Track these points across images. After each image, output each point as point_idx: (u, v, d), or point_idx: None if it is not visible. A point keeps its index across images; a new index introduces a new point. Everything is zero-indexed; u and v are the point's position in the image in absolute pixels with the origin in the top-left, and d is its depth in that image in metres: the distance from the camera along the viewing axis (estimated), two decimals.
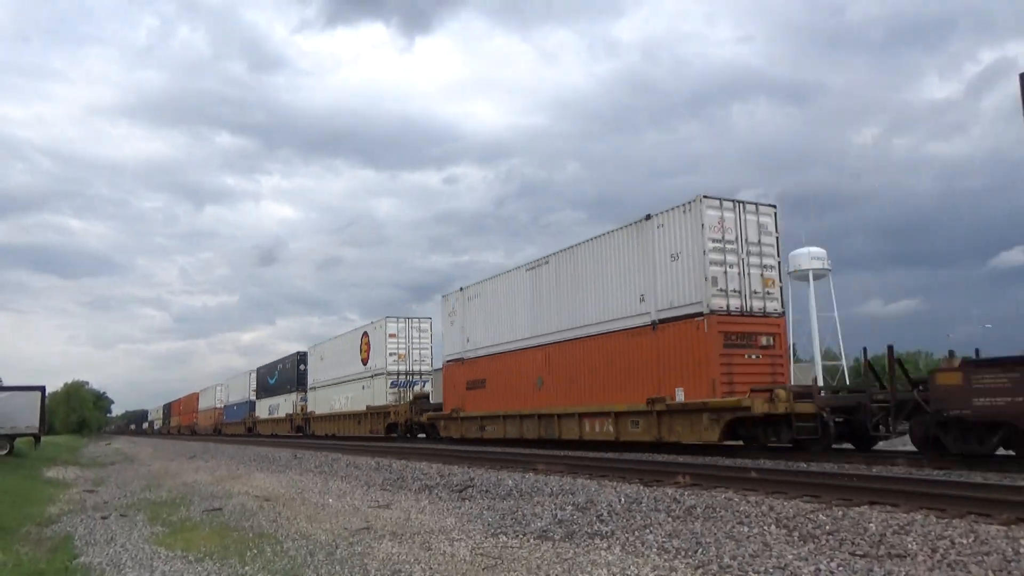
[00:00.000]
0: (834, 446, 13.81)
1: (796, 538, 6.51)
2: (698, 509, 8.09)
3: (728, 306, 15.49)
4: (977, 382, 11.13)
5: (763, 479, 9.81)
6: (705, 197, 15.79)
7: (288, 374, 46.41)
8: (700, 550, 6.22)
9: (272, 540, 7.94)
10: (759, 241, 16.21)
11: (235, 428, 59.37)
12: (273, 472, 17.84)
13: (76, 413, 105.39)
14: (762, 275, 16.05)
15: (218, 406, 67.14)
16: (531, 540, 7.21)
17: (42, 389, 31.09)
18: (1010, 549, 5.55)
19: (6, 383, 37.92)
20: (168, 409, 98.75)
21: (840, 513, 7.25)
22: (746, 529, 6.98)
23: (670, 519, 7.76)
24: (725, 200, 15.99)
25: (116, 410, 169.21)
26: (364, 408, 33.71)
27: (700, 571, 5.61)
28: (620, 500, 9.01)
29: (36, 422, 30.10)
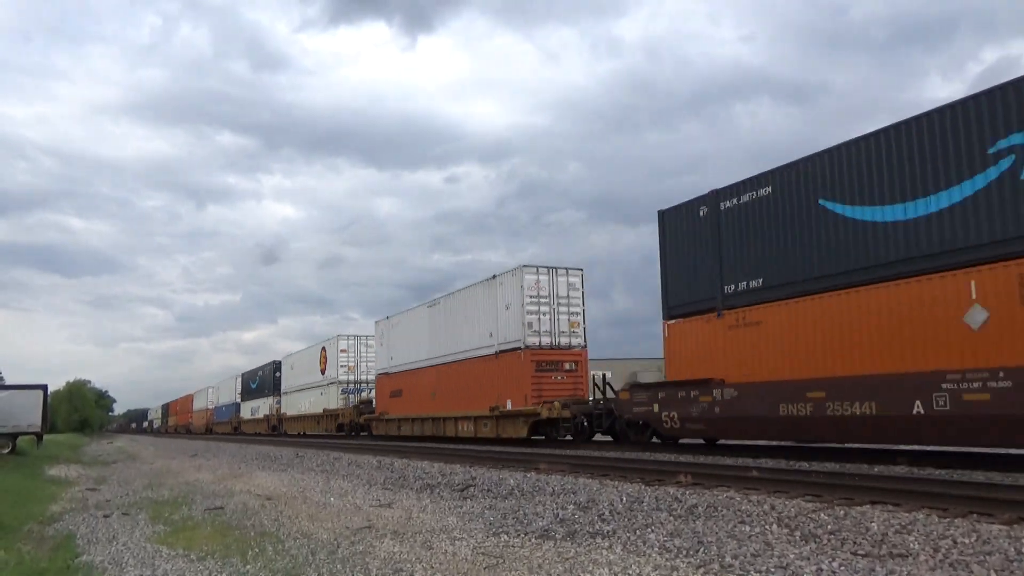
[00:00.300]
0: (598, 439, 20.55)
1: (798, 537, 6.51)
2: (700, 508, 8.08)
3: (540, 343, 21.87)
4: (635, 397, 17.42)
5: (765, 478, 9.81)
6: (525, 266, 22.17)
7: (267, 380, 51.86)
8: (702, 549, 6.22)
9: (274, 539, 7.95)
10: (567, 295, 22.62)
11: (223, 428, 64.99)
12: (275, 471, 17.86)
13: (78, 412, 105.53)
14: (569, 320, 22.47)
15: (209, 407, 72.40)
16: (533, 539, 7.21)
17: (44, 388, 31.16)
18: (1012, 549, 5.54)
19: (8, 382, 38.05)
20: (166, 409, 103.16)
21: (842, 512, 7.24)
22: (748, 528, 6.97)
23: (672, 518, 7.75)
24: (541, 267, 22.45)
25: (118, 409, 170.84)
26: (321, 411, 39.84)
27: (702, 570, 5.61)
28: (622, 499, 9.01)
29: (38, 421, 30.16)
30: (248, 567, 6.56)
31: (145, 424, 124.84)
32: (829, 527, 6.69)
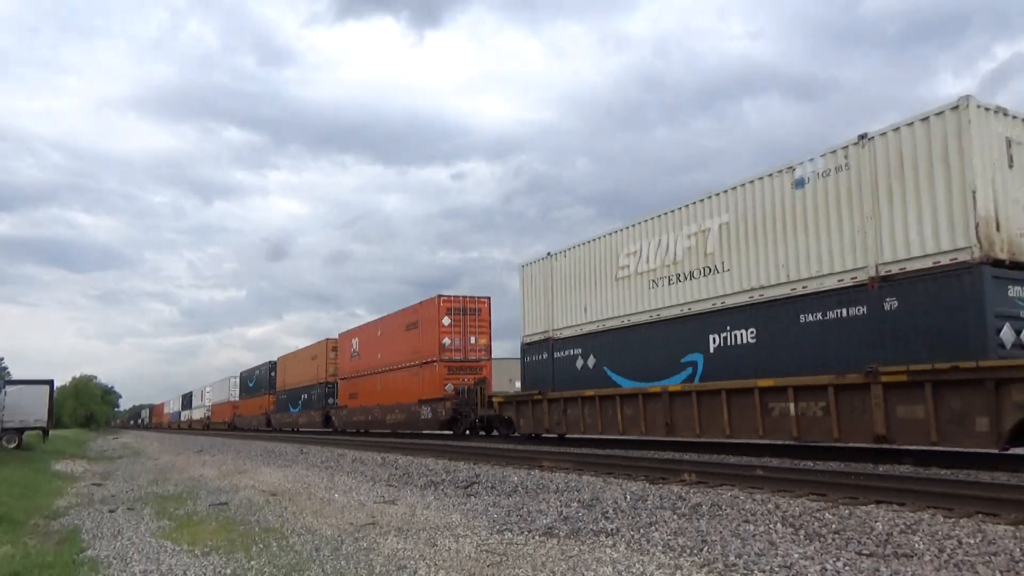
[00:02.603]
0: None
1: (802, 537, 6.49)
2: (704, 507, 8.07)
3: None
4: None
5: (769, 477, 9.79)
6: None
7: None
8: (706, 548, 6.21)
9: (278, 535, 7.97)
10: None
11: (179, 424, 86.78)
12: (279, 467, 17.90)
13: (84, 407, 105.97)
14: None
15: (168, 411, 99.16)
16: (536, 537, 7.21)
17: (50, 383, 31.30)
18: (1018, 549, 5.52)
19: (16, 376, 38.21)
20: (151, 410, 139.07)
21: (846, 512, 7.23)
22: (752, 527, 6.96)
23: (676, 517, 7.75)
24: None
25: (124, 404, 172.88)
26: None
27: (706, 569, 5.60)
28: (626, 498, 9.00)
29: (44, 416, 30.31)
30: (252, 563, 6.58)
31: (140, 420, 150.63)
32: (833, 526, 6.67)
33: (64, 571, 6.61)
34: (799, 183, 13.90)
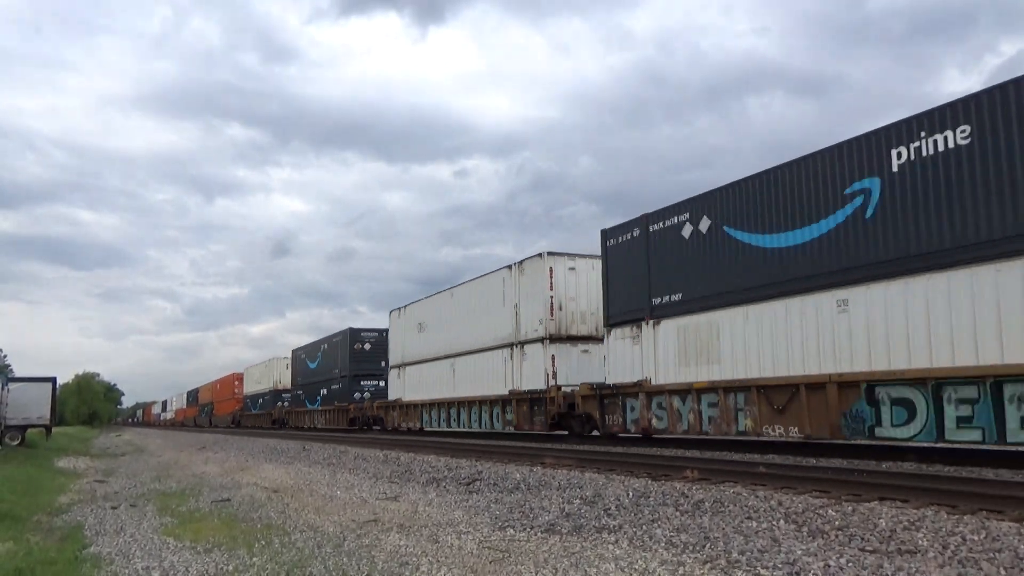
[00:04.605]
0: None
1: (805, 533, 6.47)
2: (706, 504, 8.06)
3: None
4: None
5: (772, 474, 9.77)
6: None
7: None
8: (708, 545, 6.19)
9: (280, 531, 7.96)
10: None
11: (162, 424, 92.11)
12: (281, 464, 17.91)
13: (87, 405, 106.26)
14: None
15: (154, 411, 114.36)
16: (538, 533, 7.20)
17: (53, 380, 31.36)
18: (1022, 546, 5.50)
19: (19, 374, 38.26)
20: (143, 409, 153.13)
21: (850, 509, 7.21)
22: (754, 524, 6.95)
23: (678, 513, 7.73)
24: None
25: (127, 401, 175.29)
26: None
27: (708, 566, 5.58)
28: (628, 494, 8.99)
29: (47, 413, 30.35)
30: (255, 559, 6.57)
31: (136, 419, 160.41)
32: (837, 523, 6.65)
33: (67, 568, 6.61)
34: None
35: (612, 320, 18.31)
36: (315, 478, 13.76)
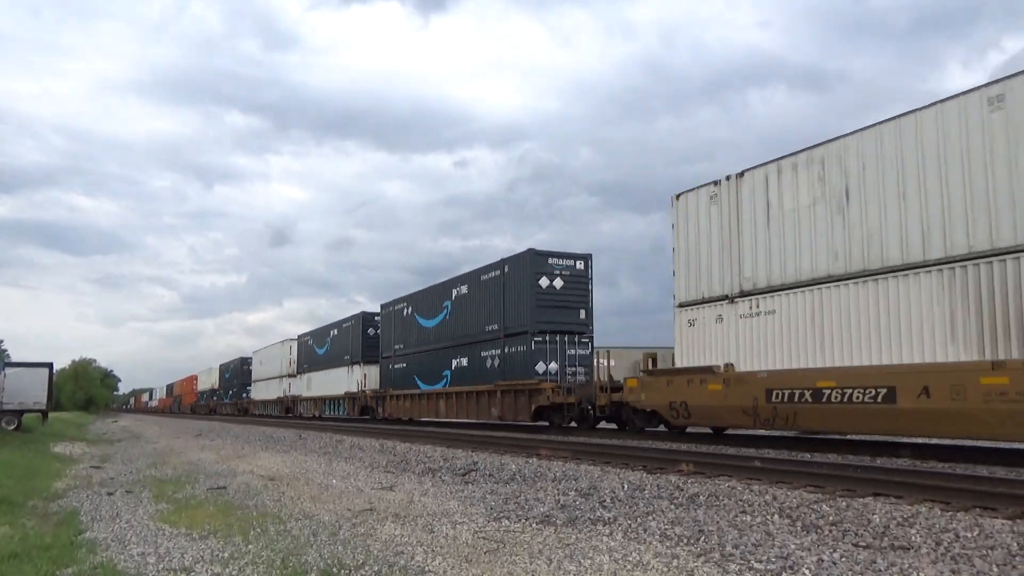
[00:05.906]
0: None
1: (799, 528, 6.50)
2: (701, 497, 8.08)
3: None
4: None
5: (767, 468, 9.80)
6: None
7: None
8: (702, 538, 6.22)
9: (275, 519, 7.98)
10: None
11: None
12: (278, 452, 17.93)
13: (83, 390, 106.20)
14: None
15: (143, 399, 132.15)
16: (533, 525, 7.22)
17: (50, 366, 31.37)
18: (1015, 544, 5.52)
19: (16, 359, 38.23)
20: (135, 397, 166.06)
21: (844, 504, 7.23)
22: (749, 518, 6.97)
23: (673, 506, 7.76)
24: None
25: (124, 388, 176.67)
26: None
27: (702, 559, 5.60)
28: (623, 487, 9.01)
29: (44, 398, 30.38)
30: (250, 547, 6.59)
31: (129, 405, 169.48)
32: (831, 518, 6.68)
33: (62, 553, 6.62)
34: None
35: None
36: (311, 467, 13.78)
